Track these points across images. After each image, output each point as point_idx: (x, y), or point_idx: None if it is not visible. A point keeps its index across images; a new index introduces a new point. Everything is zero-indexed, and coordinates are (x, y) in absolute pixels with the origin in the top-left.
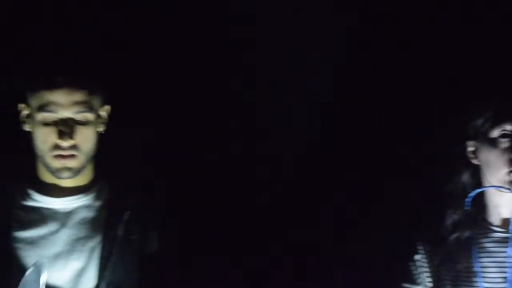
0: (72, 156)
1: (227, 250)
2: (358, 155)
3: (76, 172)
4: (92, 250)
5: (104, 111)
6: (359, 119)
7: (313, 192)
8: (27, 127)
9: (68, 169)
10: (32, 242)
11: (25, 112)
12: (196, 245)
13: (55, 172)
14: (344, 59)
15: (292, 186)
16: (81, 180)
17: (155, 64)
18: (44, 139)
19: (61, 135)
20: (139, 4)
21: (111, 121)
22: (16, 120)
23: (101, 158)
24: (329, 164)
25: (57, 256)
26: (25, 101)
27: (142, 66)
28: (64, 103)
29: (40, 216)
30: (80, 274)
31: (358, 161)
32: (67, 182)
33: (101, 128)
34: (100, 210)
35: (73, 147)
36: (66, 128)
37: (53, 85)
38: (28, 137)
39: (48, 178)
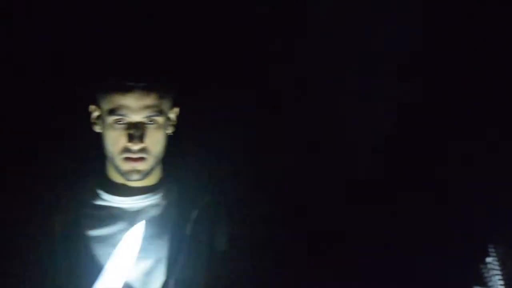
0: (142, 159)
1: (297, 249)
2: (431, 153)
3: (145, 174)
4: (160, 249)
5: (173, 113)
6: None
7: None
8: (97, 129)
9: (138, 171)
10: (101, 240)
11: (95, 113)
12: (265, 243)
13: (124, 174)
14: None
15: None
16: (150, 180)
17: (220, 64)
18: (115, 141)
19: (131, 138)
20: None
21: (180, 122)
22: (86, 121)
23: (169, 158)
24: (400, 163)
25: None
26: (95, 102)
27: (211, 67)
28: (135, 107)
29: (109, 215)
30: (148, 272)
31: (430, 159)
32: (136, 182)
33: (170, 130)
34: (168, 209)
35: (143, 150)
36: (136, 131)
37: (124, 89)
38: (97, 138)
39: (117, 178)
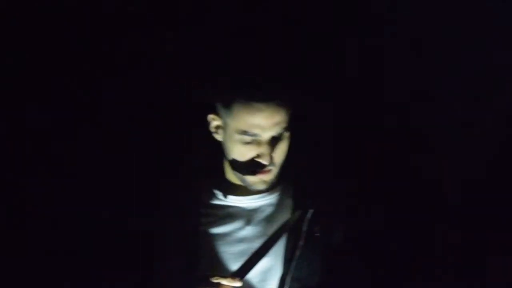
0: (269, 170)
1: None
2: None
3: (270, 183)
4: (276, 248)
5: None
6: None
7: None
8: (218, 138)
9: (264, 182)
10: (219, 238)
11: (215, 123)
12: (381, 242)
13: (249, 184)
14: None
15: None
16: None
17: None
18: (241, 155)
19: (262, 155)
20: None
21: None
22: (202, 123)
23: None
24: None
25: (243, 253)
26: (214, 110)
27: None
28: (265, 126)
29: (226, 214)
30: (265, 270)
31: None
32: None
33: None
34: (284, 208)
35: (271, 164)
36: (266, 150)
37: (255, 110)
38: (213, 140)
39: (234, 179)
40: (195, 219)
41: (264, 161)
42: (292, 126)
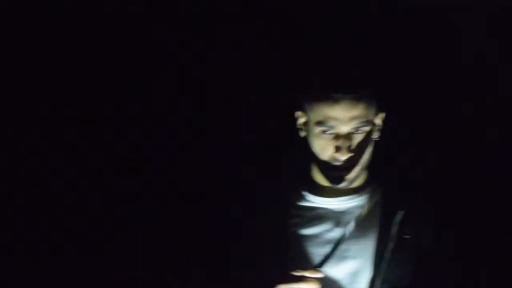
0: (349, 167)
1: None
2: None
3: (351, 181)
4: (366, 249)
5: (379, 119)
6: None
7: None
8: (303, 134)
9: (345, 179)
10: (307, 240)
11: (302, 120)
12: (472, 244)
13: (331, 181)
14: None
15: None
16: (355, 182)
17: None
18: (322, 151)
19: (339, 149)
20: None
21: (385, 126)
22: (290, 125)
23: (374, 160)
24: None
25: (331, 254)
26: (302, 109)
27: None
28: (343, 118)
29: (315, 215)
30: (354, 272)
31: None
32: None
33: (376, 136)
34: (373, 210)
35: (350, 159)
36: (344, 143)
37: (333, 101)
38: (303, 141)
39: (322, 180)
40: (285, 220)
41: (341, 155)
42: (374, 124)
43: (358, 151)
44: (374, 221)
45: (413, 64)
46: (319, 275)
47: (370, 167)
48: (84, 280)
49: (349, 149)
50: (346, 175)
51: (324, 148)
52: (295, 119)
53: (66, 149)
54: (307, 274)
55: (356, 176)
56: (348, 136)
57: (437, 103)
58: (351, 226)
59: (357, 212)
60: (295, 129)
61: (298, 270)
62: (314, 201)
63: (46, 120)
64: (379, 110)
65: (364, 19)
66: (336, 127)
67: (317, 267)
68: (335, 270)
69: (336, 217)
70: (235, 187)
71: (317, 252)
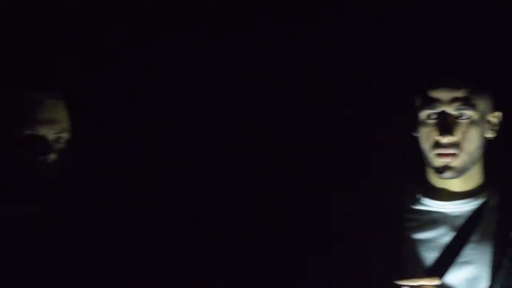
0: (453, 154)
1: None
2: None
3: (458, 172)
4: (483, 255)
5: (494, 117)
6: None
7: None
8: (414, 133)
9: (449, 168)
10: (423, 244)
11: (414, 117)
12: None
13: (437, 171)
14: None
15: None
16: (470, 184)
17: None
18: (426, 137)
19: (441, 131)
20: None
21: (503, 127)
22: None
23: (491, 163)
24: None
25: (450, 260)
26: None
27: None
28: (445, 99)
29: (430, 219)
30: (472, 278)
31: None
32: (455, 187)
33: (490, 134)
34: (490, 214)
35: (454, 145)
36: (445, 124)
37: (437, 83)
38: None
39: (436, 181)
40: (400, 224)
41: (444, 138)
42: (483, 118)
43: (462, 137)
44: (491, 227)
45: None
46: (437, 282)
47: (487, 170)
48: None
49: (451, 132)
50: (450, 163)
51: (428, 134)
52: (410, 119)
53: None
54: (425, 282)
55: (462, 166)
56: (450, 118)
57: None
58: (467, 231)
59: (472, 217)
60: (410, 130)
61: (415, 278)
62: (429, 204)
63: None
64: (495, 108)
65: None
66: (438, 107)
67: (435, 273)
68: (452, 277)
69: (451, 221)
70: (349, 190)
71: (430, 257)
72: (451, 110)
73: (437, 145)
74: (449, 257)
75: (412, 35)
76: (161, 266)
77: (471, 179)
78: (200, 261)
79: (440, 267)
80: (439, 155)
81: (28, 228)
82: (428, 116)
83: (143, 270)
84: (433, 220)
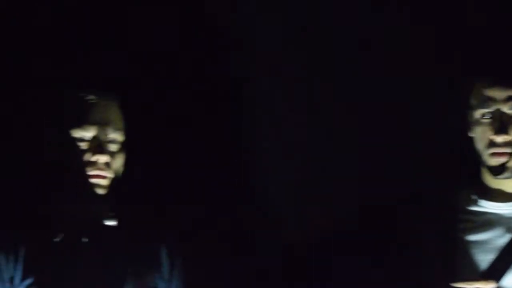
0: (508, 154)
1: None
2: None
3: None
4: None
5: None
6: None
7: None
8: (470, 133)
9: (505, 167)
10: (478, 246)
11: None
12: None
13: (492, 171)
14: None
15: None
16: None
17: None
18: (481, 136)
19: (496, 130)
20: None
21: None
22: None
23: None
24: None
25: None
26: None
27: None
28: (499, 98)
29: (486, 221)
30: None
31: None
32: (511, 187)
33: None
34: None
35: (509, 144)
36: (500, 123)
37: (491, 82)
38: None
39: (491, 182)
40: (454, 225)
41: (498, 137)
42: None
43: None
44: None
45: None
46: (493, 285)
47: None
48: None
49: (507, 131)
50: (506, 163)
51: (483, 133)
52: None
53: None
54: (480, 285)
55: None
56: (506, 118)
57: None
58: None
59: None
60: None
61: (470, 281)
62: (485, 205)
63: None
64: None
65: None
66: (493, 107)
67: (491, 276)
68: (508, 280)
69: (506, 223)
70: (403, 191)
71: (485, 259)
72: (506, 108)
73: (492, 144)
74: (505, 259)
75: (466, 34)
76: None
77: None
78: None
79: (496, 270)
80: (494, 154)
81: (84, 228)
82: (483, 115)
83: None
84: (489, 222)
